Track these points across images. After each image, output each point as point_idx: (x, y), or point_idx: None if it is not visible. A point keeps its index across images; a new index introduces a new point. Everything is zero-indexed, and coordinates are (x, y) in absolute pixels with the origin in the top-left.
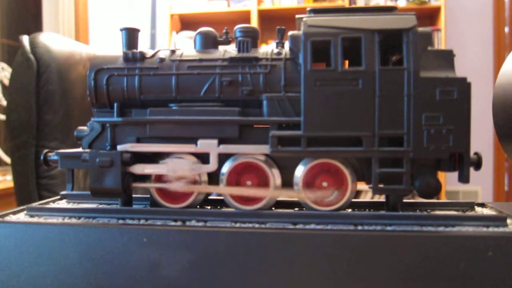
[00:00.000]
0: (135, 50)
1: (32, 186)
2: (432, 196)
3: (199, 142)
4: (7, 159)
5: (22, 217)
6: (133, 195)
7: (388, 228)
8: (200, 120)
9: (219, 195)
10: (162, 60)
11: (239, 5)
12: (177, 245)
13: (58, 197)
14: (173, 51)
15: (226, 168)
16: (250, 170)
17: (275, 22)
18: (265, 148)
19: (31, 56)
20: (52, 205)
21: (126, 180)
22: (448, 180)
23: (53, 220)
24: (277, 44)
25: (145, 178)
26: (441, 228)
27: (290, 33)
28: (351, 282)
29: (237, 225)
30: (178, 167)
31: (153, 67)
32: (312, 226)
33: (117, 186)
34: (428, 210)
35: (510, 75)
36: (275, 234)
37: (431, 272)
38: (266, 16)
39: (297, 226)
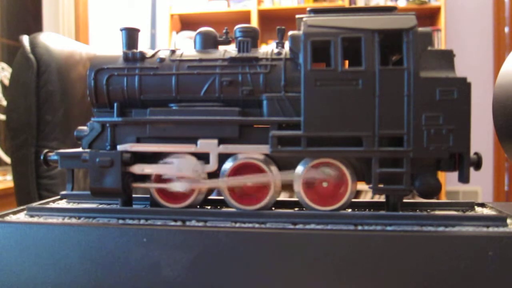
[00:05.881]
0: (135, 50)
1: (32, 186)
2: (432, 196)
3: (199, 142)
4: (7, 159)
5: (22, 217)
6: (133, 195)
7: (388, 228)
8: (200, 120)
9: (219, 195)
10: (162, 60)
11: (239, 5)
12: (177, 245)
13: (58, 197)
14: (173, 51)
15: (226, 167)
16: (250, 170)
17: (275, 22)
18: (265, 148)
19: (31, 56)
20: (52, 205)
21: (126, 180)
22: (448, 180)
23: (53, 220)
24: (277, 44)
25: (145, 178)
26: (441, 228)
27: (290, 33)
28: (351, 282)
29: (237, 225)
30: (182, 167)
31: (153, 67)
32: (312, 226)
33: (117, 186)
34: (428, 210)
35: (510, 75)
36: (275, 234)
37: (431, 272)
38: (266, 16)
39: (297, 226)
